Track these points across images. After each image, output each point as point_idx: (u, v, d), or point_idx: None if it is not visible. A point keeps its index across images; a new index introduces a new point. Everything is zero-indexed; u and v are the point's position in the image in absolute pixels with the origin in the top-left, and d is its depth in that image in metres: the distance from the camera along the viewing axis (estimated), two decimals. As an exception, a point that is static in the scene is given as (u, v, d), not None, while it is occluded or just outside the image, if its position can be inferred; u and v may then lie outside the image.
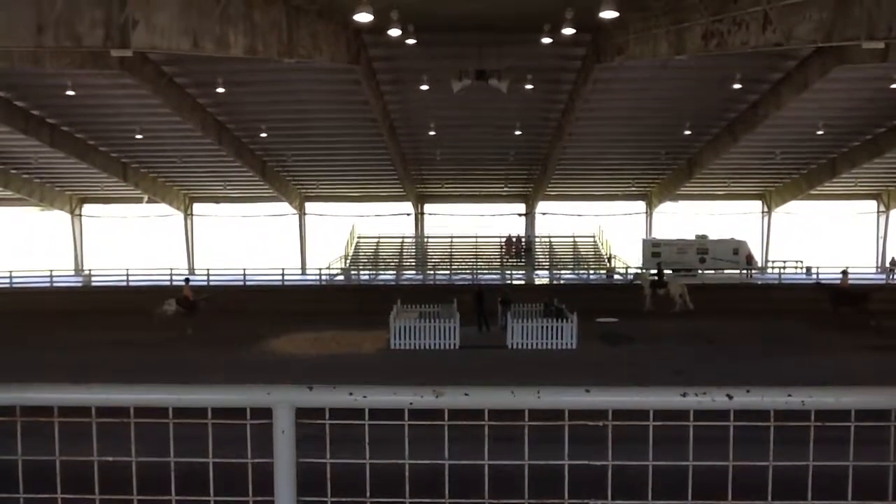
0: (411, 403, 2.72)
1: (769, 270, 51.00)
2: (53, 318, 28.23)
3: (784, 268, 49.61)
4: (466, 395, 2.70)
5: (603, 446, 2.85)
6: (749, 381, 2.77)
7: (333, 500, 2.85)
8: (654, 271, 35.32)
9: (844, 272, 30.74)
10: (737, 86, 32.09)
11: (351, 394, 2.71)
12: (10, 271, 44.43)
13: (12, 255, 49.71)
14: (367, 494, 2.87)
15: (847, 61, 28.06)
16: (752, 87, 33.58)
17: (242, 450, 2.87)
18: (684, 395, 2.64)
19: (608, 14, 22.61)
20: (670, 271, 42.21)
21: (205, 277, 45.15)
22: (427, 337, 21.80)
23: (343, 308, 29.55)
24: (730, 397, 2.63)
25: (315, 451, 2.90)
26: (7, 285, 43.08)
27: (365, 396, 2.71)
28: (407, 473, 2.82)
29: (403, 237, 53.73)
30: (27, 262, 47.53)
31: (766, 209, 52.70)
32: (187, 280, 29.20)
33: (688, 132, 39.37)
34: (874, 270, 48.76)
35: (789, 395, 2.63)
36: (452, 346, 21.64)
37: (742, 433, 2.78)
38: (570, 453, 2.80)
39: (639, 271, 47.62)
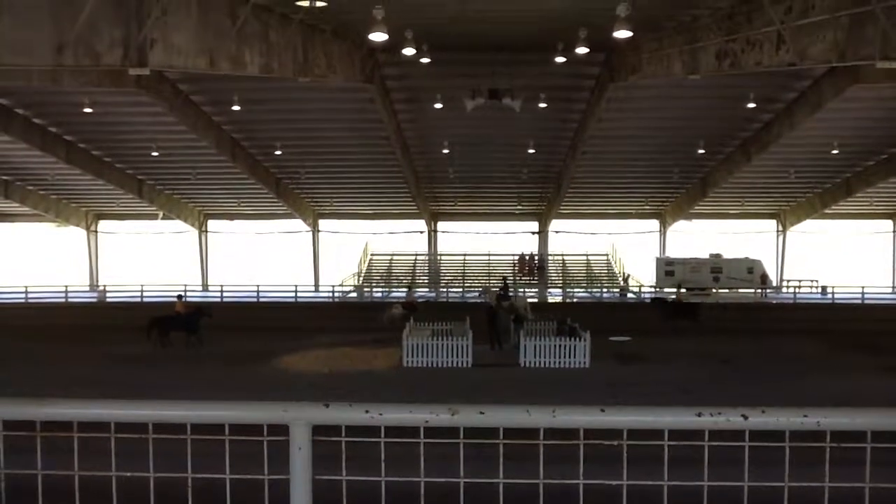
0: (427, 421, 2.73)
1: (784, 290, 50.66)
2: (67, 333, 28.37)
3: (799, 287, 49.26)
4: (482, 413, 2.71)
5: (618, 466, 2.85)
6: (763, 402, 2.76)
7: (349, 516, 2.87)
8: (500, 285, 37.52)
9: (679, 288, 34.97)
10: (750, 105, 32.04)
11: (367, 411, 2.73)
12: (26, 286, 44.75)
13: (28, 270, 50.09)
14: (383, 512, 2.88)
15: (861, 81, 27.97)
16: (766, 106, 33.52)
17: (259, 466, 2.89)
18: (699, 414, 2.65)
19: (622, 34, 22.65)
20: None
21: (218, 293, 45.34)
22: (440, 355, 21.77)
23: (356, 325, 29.55)
24: (745, 417, 2.63)
25: (328, 468, 2.92)
26: (23, 300, 43.38)
27: (381, 414, 2.73)
28: (423, 491, 2.83)
29: (416, 254, 53.77)
30: (43, 277, 47.83)
31: (780, 228, 52.42)
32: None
33: (701, 151, 39.29)
34: (890, 290, 48.33)
35: (805, 416, 2.63)
36: (465, 364, 21.60)
37: (757, 454, 2.78)
38: (585, 472, 2.80)
39: (652, 290, 47.52)
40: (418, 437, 2.81)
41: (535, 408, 2.71)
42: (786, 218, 51.71)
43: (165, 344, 24.92)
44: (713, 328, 28.66)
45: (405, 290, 32.29)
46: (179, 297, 30.03)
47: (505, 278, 42.71)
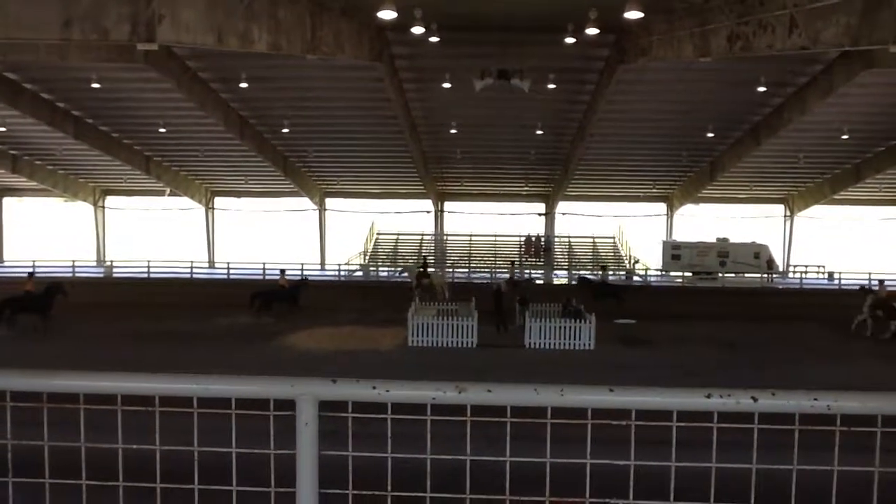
0: (434, 398, 2.72)
1: (791, 275, 50.55)
2: (74, 309, 28.47)
3: (806, 272, 49.14)
4: (489, 391, 2.70)
5: (625, 447, 2.84)
6: (770, 386, 2.75)
7: (355, 492, 2.86)
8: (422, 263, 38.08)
9: (603, 269, 36.98)
10: (761, 89, 31.77)
11: (374, 387, 2.72)
12: (34, 261, 44.91)
13: (36, 244, 50.32)
14: (389, 489, 2.88)
15: (874, 65, 27.73)
16: (777, 90, 33.27)
17: (264, 441, 2.89)
18: (709, 396, 2.63)
19: (633, 15, 22.49)
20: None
21: (225, 271, 45.46)
22: (445, 335, 21.81)
23: (361, 304, 29.62)
24: (755, 400, 2.61)
25: (334, 445, 2.92)
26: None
27: (388, 390, 2.72)
28: (429, 468, 2.82)
29: (423, 234, 53.77)
30: (50, 251, 48.02)
31: (788, 213, 52.22)
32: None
33: (710, 135, 39.08)
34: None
35: (815, 399, 2.61)
36: (470, 345, 21.64)
37: (765, 437, 2.76)
38: (592, 452, 2.79)
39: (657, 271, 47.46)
40: (425, 415, 2.79)
41: (543, 387, 2.70)
42: (794, 203, 51.50)
43: (264, 315, 26.59)
44: (723, 314, 28.61)
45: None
46: (283, 270, 32.55)
47: (425, 257, 43.19)
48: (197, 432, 2.92)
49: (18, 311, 23.22)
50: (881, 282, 28.75)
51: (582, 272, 45.02)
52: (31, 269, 29.62)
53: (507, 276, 34.63)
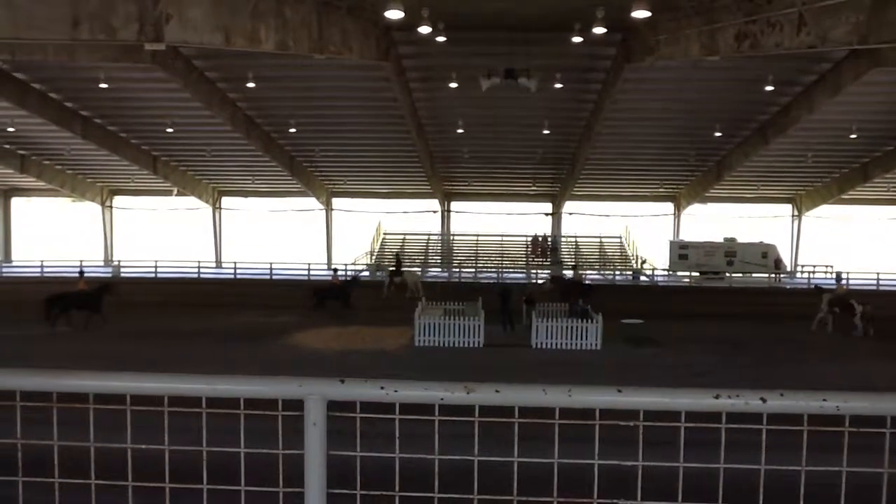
0: (442, 399, 2.72)
1: (798, 275, 50.40)
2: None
3: (814, 272, 48.99)
4: (497, 392, 2.70)
5: (632, 448, 2.83)
6: (778, 387, 2.74)
7: (362, 492, 2.87)
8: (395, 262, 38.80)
9: (575, 268, 36.81)
10: (769, 88, 31.69)
11: (382, 388, 2.72)
12: (42, 261, 45.15)
13: (44, 244, 50.54)
14: (397, 489, 2.88)
15: (882, 64, 27.63)
16: (785, 89, 33.18)
17: (273, 441, 2.89)
18: (717, 397, 2.62)
19: (640, 14, 22.46)
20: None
21: (232, 271, 45.59)
22: (452, 335, 21.77)
23: (367, 304, 29.61)
24: (763, 400, 2.61)
25: (342, 445, 2.92)
26: (38, 274, 43.76)
27: (396, 391, 2.73)
28: (437, 469, 2.82)
29: (429, 234, 53.79)
30: (58, 251, 48.21)
31: (796, 213, 52.08)
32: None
33: (718, 134, 39.01)
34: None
35: (824, 400, 2.60)
36: (477, 345, 21.61)
37: (774, 439, 2.75)
38: (600, 453, 2.79)
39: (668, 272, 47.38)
40: (433, 415, 2.80)
41: (551, 387, 2.70)
42: (801, 202, 51.35)
43: (318, 308, 27.28)
44: (730, 314, 28.53)
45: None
46: (336, 269, 33.62)
47: (398, 255, 43.66)
48: (206, 432, 2.93)
49: (68, 307, 23.73)
50: (839, 279, 29.62)
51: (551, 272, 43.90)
52: (81, 269, 30.38)
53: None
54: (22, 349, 18.61)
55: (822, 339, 23.61)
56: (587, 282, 34.77)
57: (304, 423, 2.76)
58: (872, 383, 16.00)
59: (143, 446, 2.99)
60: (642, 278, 47.88)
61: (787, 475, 2.82)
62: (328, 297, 28.35)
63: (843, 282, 28.68)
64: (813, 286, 28.78)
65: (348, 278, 32.37)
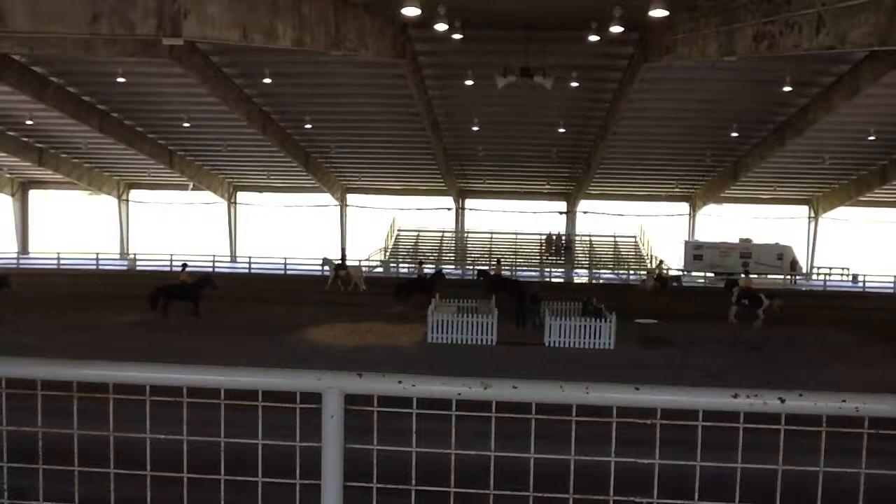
0: (459, 394, 2.73)
1: (814, 277, 50.07)
2: (97, 300, 28.78)
3: (830, 275, 48.66)
4: (515, 387, 2.70)
5: (649, 446, 2.83)
6: (791, 388, 2.73)
7: (379, 486, 2.88)
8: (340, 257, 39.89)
9: (498, 261, 36.70)
10: (787, 89, 31.49)
11: (400, 382, 2.73)
12: (58, 253, 45.50)
13: (61, 237, 50.95)
14: (413, 483, 2.89)
15: (901, 66, 27.44)
16: (802, 90, 32.95)
17: (290, 434, 2.91)
18: (735, 396, 2.61)
19: (657, 13, 22.35)
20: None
21: (246, 265, 45.76)
22: (464, 332, 21.78)
23: (381, 300, 29.65)
24: (782, 401, 2.59)
25: (359, 439, 2.93)
26: (55, 266, 44.12)
27: (414, 385, 2.73)
28: (453, 464, 2.83)
29: (444, 231, 53.79)
30: (74, 244, 48.59)
31: (812, 214, 51.75)
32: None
33: (734, 134, 38.80)
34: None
35: (843, 401, 2.59)
36: (490, 342, 21.61)
37: (791, 440, 2.74)
38: (616, 451, 2.79)
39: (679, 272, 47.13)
40: (449, 410, 2.80)
41: (568, 384, 2.70)
42: (818, 204, 51.00)
43: (407, 303, 27.63)
44: (744, 316, 28.35)
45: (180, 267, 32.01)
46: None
47: (343, 249, 44.50)
48: (224, 423, 2.95)
49: (171, 298, 24.77)
50: (746, 273, 30.90)
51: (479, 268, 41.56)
52: (184, 262, 30.97)
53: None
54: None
55: (840, 341, 23.42)
56: (513, 278, 35.51)
57: (321, 416, 2.77)
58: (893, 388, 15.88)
59: (162, 437, 3.01)
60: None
61: (805, 476, 2.81)
62: (415, 289, 28.70)
63: (751, 276, 30.14)
64: (724, 281, 30.38)
65: (433, 272, 31.99)
